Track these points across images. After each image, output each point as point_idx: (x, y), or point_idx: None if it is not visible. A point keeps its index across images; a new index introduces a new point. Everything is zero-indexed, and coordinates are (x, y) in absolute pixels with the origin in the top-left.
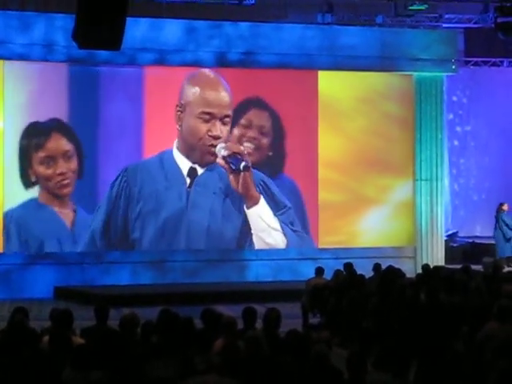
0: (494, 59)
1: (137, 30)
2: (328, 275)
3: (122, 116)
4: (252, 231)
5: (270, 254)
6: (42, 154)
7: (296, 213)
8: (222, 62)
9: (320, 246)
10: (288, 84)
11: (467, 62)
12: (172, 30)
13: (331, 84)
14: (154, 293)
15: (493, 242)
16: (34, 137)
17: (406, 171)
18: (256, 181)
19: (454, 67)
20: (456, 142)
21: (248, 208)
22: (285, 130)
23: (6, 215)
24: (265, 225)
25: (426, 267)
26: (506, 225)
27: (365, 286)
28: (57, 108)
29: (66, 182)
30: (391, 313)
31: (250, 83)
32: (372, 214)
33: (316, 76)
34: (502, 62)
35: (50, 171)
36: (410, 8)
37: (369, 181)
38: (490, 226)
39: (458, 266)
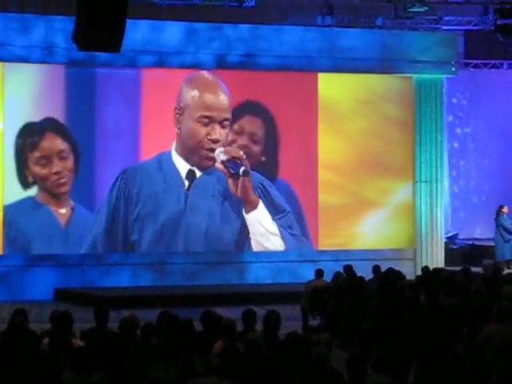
0: (493, 61)
1: (137, 32)
2: (328, 277)
3: (120, 117)
4: (250, 235)
5: (270, 256)
6: (37, 153)
7: (293, 217)
8: (221, 64)
9: (320, 248)
10: (288, 86)
11: (467, 64)
12: (172, 32)
13: (331, 86)
14: (153, 295)
15: (492, 244)
16: (28, 137)
17: (406, 173)
18: (255, 184)
19: (453, 69)
20: (456, 144)
21: (247, 212)
22: (282, 133)
23: (6, 216)
24: (263, 230)
25: (425, 269)
26: (504, 229)
27: (365, 288)
28: (55, 109)
29: (62, 180)
30: (391, 315)
31: (250, 85)
32: (372, 216)
33: (316, 78)
34: (501, 64)
35: (45, 171)
36: (410, 10)
37: (369, 183)
38: (489, 228)
39: (458, 268)
